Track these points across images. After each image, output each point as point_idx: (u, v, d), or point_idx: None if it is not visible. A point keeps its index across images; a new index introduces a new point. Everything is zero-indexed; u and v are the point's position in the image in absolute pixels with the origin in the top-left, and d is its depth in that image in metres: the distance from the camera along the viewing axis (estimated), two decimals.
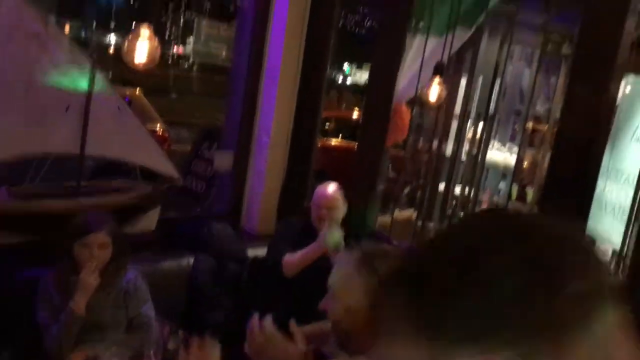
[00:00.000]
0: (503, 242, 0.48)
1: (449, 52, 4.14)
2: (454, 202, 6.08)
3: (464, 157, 6.11)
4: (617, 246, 3.51)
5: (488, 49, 5.93)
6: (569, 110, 2.95)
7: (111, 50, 23.18)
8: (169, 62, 26.75)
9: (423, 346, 0.46)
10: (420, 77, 4.08)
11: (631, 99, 3.79)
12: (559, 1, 4.67)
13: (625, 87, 3.75)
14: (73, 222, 2.57)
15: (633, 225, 3.37)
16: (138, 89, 8.55)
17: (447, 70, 4.44)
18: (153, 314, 2.65)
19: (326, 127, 9.64)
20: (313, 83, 4.04)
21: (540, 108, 7.26)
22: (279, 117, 4.01)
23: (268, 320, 1.80)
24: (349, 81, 34.66)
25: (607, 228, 3.71)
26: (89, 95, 3.34)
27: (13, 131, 3.12)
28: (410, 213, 5.82)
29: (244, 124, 4.09)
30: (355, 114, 10.76)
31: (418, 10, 4.15)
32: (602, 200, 3.72)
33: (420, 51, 4.08)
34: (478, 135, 5.89)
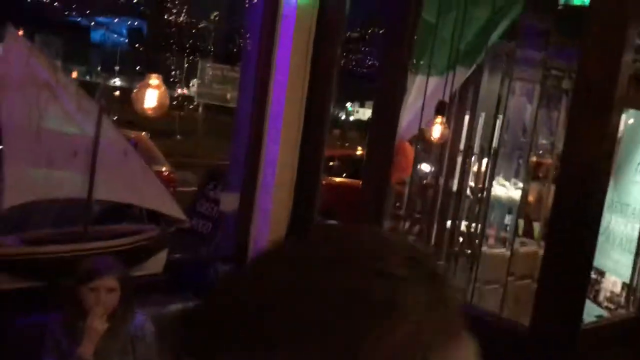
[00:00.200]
0: (294, 304, 0.43)
1: (450, 91, 4.20)
2: (460, 239, 6.05)
3: (468, 192, 6.11)
4: (627, 279, 3.49)
5: (489, 86, 6.00)
6: (571, 144, 2.97)
7: (117, 93, 23.51)
8: (174, 103, 27.08)
9: None
10: (423, 115, 4.12)
11: (632, 131, 3.82)
12: (558, 38, 4.74)
13: (627, 120, 3.78)
14: (81, 266, 2.58)
15: None
16: (143, 132, 8.64)
17: (450, 108, 4.49)
18: None
19: (330, 165, 9.69)
20: (317, 122, 4.09)
21: (544, 141, 7.29)
22: (283, 156, 4.05)
23: None
24: (351, 119, 34.94)
25: (616, 261, 3.70)
26: (96, 140, 3.39)
27: (23, 177, 3.16)
28: None
29: (249, 163, 4.12)
30: (359, 152, 10.82)
31: (418, 51, 4.22)
32: (609, 234, 3.72)
33: (421, 90, 4.14)
34: (482, 170, 5.91)
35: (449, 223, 6.09)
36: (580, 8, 5.09)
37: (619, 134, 3.43)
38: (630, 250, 3.61)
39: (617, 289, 4.01)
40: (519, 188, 5.93)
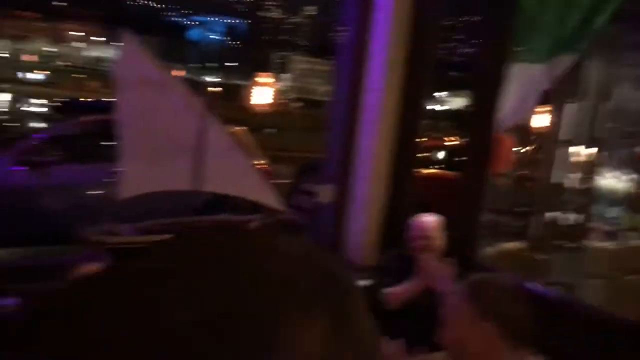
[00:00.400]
0: None
1: (553, 79, 4.04)
2: (564, 232, 5.83)
3: (572, 184, 5.87)
4: None
5: (593, 72, 5.72)
6: None
7: (216, 89, 24.35)
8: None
9: None
10: (524, 106, 3.99)
11: None
12: None
13: None
14: None
15: None
16: (242, 127, 8.90)
17: (551, 97, 4.33)
18: None
19: (421, 156, 9.56)
20: (412, 113, 4.06)
21: None
22: (379, 148, 4.06)
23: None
24: (443, 108, 34.30)
25: None
26: (202, 135, 3.55)
27: (138, 171, 3.38)
28: (517, 244, 5.64)
29: (344, 155, 4.17)
30: (450, 141, 10.61)
31: (518, 37, 4.09)
32: None
33: (522, 78, 4.01)
34: (588, 161, 5.66)
35: (551, 215, 5.88)
36: None
37: None
38: None
39: None
40: (626, 179, 5.63)
